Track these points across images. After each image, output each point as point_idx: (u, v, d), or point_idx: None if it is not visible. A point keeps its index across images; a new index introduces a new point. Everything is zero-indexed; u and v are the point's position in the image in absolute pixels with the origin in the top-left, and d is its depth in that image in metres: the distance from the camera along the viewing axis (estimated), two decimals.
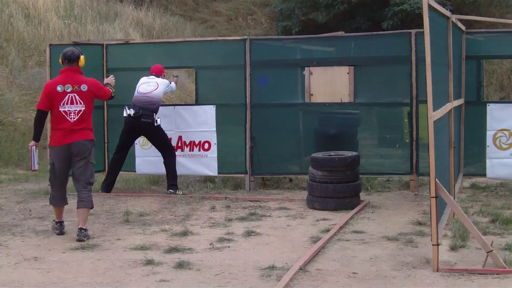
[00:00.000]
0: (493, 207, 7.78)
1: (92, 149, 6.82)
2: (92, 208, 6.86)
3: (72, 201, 7.05)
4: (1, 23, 14.78)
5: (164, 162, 9.13)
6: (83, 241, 6.52)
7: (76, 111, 6.70)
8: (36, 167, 6.97)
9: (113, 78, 7.63)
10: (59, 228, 6.89)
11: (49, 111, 6.80)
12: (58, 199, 6.91)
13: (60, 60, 6.89)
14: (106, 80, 7.62)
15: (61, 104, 6.68)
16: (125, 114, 8.96)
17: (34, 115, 7.28)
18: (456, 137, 8.01)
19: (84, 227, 6.63)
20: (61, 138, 6.69)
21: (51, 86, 6.80)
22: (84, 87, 6.77)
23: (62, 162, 6.74)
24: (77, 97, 6.71)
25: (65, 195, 6.96)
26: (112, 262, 5.81)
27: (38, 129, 6.87)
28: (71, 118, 6.68)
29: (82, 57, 6.86)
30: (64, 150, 6.69)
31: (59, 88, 6.70)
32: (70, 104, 6.69)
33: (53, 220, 7.03)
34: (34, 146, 6.87)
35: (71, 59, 6.81)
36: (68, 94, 6.69)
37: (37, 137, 6.90)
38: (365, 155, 9.15)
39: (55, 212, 7.00)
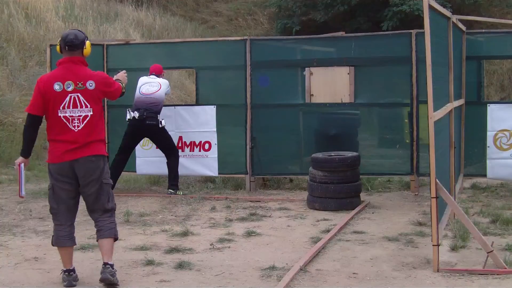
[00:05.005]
0: (493, 208, 7.78)
1: (105, 167, 5.21)
2: (116, 239, 5.25)
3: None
4: (1, 23, 14.76)
5: (167, 163, 9.12)
6: (111, 282, 5.04)
7: (81, 117, 5.06)
8: (24, 193, 5.31)
9: (125, 74, 5.79)
10: (67, 279, 5.14)
11: (44, 116, 5.15)
12: (64, 237, 5.15)
13: (58, 48, 5.22)
14: (116, 76, 5.70)
15: (61, 108, 5.05)
16: (128, 117, 8.90)
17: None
18: (457, 138, 8.01)
19: (110, 262, 5.09)
20: (61, 153, 5.05)
21: (46, 83, 5.09)
22: (90, 85, 5.12)
23: (65, 184, 5.10)
24: (81, 98, 5.07)
25: (73, 232, 5.23)
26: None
27: (29, 140, 5.18)
28: (74, 127, 5.04)
29: (87, 43, 5.21)
30: (66, 168, 5.06)
31: (57, 87, 5.05)
32: (73, 107, 5.05)
33: (61, 270, 5.23)
34: (23, 164, 5.19)
35: (73, 45, 5.12)
36: (70, 94, 5.05)
37: (27, 152, 5.20)
38: (366, 155, 9.14)
39: (60, 255, 5.22)
